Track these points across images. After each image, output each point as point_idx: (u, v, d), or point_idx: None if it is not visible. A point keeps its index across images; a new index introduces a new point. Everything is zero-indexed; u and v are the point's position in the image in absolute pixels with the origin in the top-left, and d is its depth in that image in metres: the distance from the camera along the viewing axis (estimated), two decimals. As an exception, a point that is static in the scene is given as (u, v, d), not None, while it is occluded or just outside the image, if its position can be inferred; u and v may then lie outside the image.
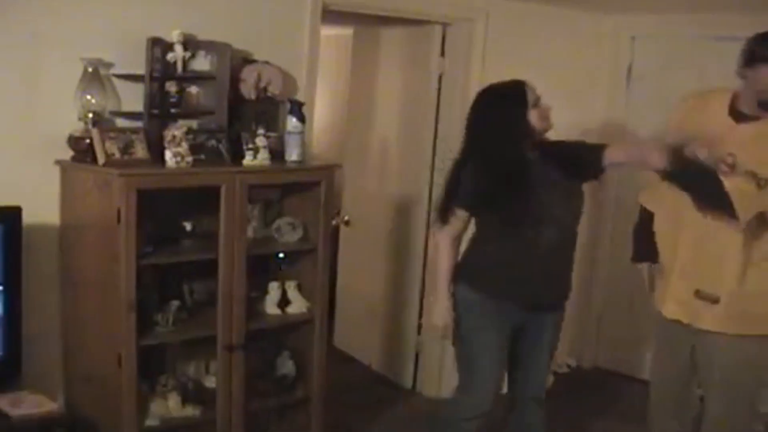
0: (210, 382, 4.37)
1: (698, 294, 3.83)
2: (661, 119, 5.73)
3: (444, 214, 4.07)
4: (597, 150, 4.00)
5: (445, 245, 4.13)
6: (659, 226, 4.10)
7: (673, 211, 3.94)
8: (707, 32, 5.80)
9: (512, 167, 3.90)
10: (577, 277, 6.51)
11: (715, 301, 3.79)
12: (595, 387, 6.41)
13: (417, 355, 6.07)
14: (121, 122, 4.06)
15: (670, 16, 6.00)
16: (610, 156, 3.94)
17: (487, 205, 3.95)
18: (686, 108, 4.06)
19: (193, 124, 4.18)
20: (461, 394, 4.22)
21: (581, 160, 4.03)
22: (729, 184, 3.56)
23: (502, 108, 3.96)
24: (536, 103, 3.93)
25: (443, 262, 4.13)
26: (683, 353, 4.05)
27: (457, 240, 4.14)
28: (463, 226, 4.10)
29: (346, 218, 6.23)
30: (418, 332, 6.04)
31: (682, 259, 3.90)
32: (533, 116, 3.92)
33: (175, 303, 4.11)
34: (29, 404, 3.62)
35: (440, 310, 4.11)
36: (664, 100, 6.03)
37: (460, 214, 4.04)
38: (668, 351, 4.18)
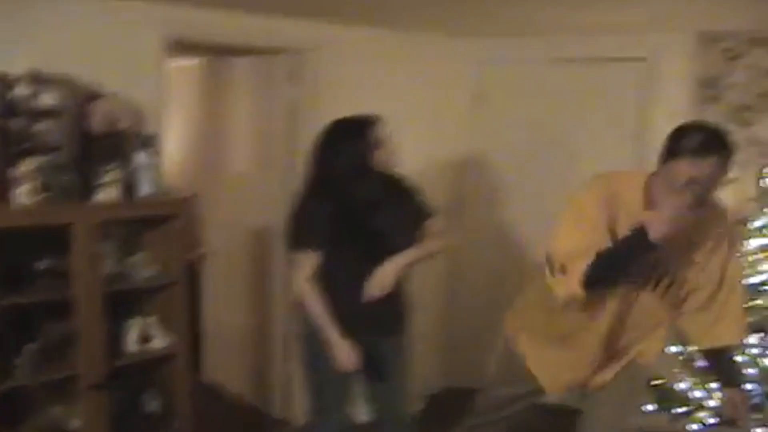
0: (74, 425, 4.27)
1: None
2: (510, 144, 5.91)
3: (299, 254, 4.10)
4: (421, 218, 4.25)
5: (309, 290, 4.07)
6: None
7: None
8: (553, 55, 5.97)
9: (356, 204, 3.97)
10: (440, 301, 6.67)
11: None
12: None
13: (286, 384, 6.01)
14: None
15: (516, 40, 6.13)
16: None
17: (335, 242, 4.00)
18: (600, 192, 3.52)
19: (42, 160, 4.06)
20: (315, 417, 4.27)
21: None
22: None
23: (347, 144, 3.98)
24: (382, 142, 3.97)
25: (317, 306, 4.06)
26: None
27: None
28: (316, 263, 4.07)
29: (202, 251, 6.18)
30: (284, 363, 5.99)
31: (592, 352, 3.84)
32: (379, 155, 3.97)
33: (33, 345, 4.02)
34: None
35: (340, 355, 4.03)
36: (512, 125, 6.22)
37: (313, 254, 4.04)
38: None
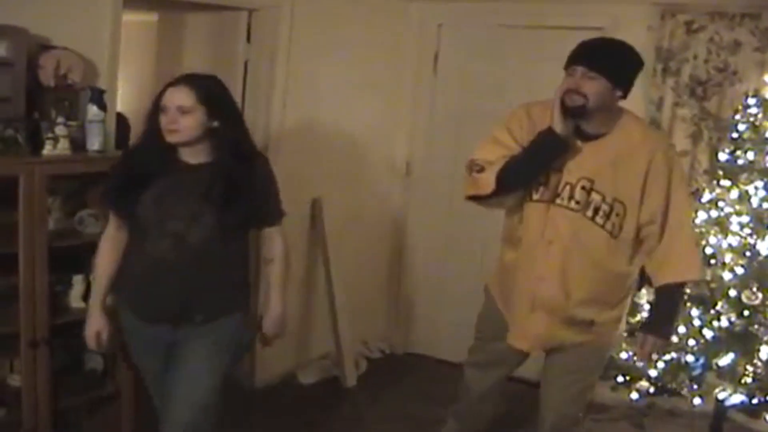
0: (14, 381, 4.25)
1: (571, 321, 3.94)
2: (465, 108, 5.91)
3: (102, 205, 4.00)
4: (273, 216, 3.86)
5: (102, 246, 3.82)
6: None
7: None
8: (510, 22, 5.97)
9: (143, 167, 3.64)
10: (386, 264, 6.70)
11: (590, 323, 3.94)
12: (407, 371, 6.51)
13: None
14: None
15: (475, 5, 6.14)
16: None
17: (119, 203, 3.70)
18: (518, 113, 3.98)
19: None
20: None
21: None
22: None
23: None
24: (163, 109, 3.55)
25: (97, 266, 3.83)
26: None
27: (119, 240, 3.78)
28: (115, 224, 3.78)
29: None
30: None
31: (548, 289, 3.91)
32: (162, 122, 3.56)
33: (-27, 300, 3.97)
34: None
35: (89, 320, 3.81)
36: (469, 89, 6.22)
37: (111, 214, 3.79)
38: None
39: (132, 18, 5.61)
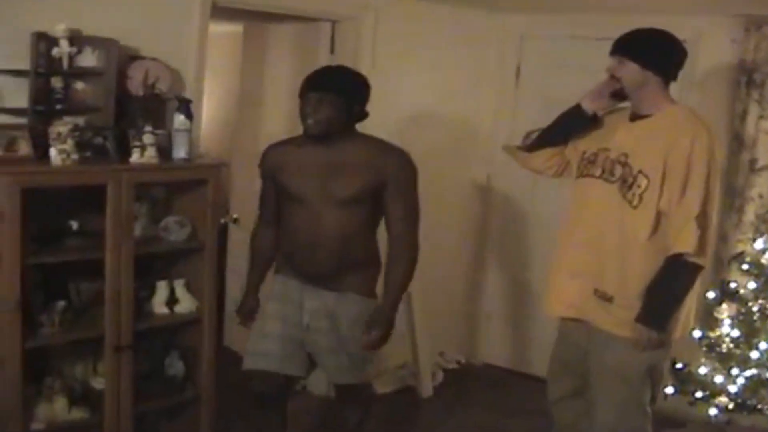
0: (98, 384, 4.30)
1: (596, 293, 3.92)
2: (548, 120, 5.87)
3: None
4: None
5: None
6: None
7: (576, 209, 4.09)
8: (594, 34, 5.92)
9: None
10: (465, 275, 6.68)
11: (610, 300, 3.87)
12: (483, 383, 6.48)
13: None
14: (3, 119, 3.99)
15: (557, 17, 6.11)
16: None
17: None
18: None
19: (79, 120, 4.13)
20: None
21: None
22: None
23: None
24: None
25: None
26: (576, 352, 4.14)
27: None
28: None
29: (234, 216, 6.18)
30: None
31: (578, 258, 3.99)
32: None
33: (61, 303, 4.05)
34: None
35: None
36: (551, 101, 6.17)
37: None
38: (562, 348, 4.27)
39: (218, 29, 5.68)
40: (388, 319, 3.98)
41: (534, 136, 4.29)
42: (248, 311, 4.32)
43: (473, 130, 6.51)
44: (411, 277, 4.06)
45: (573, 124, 4.13)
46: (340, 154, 3.88)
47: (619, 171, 3.85)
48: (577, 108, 4.08)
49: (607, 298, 3.89)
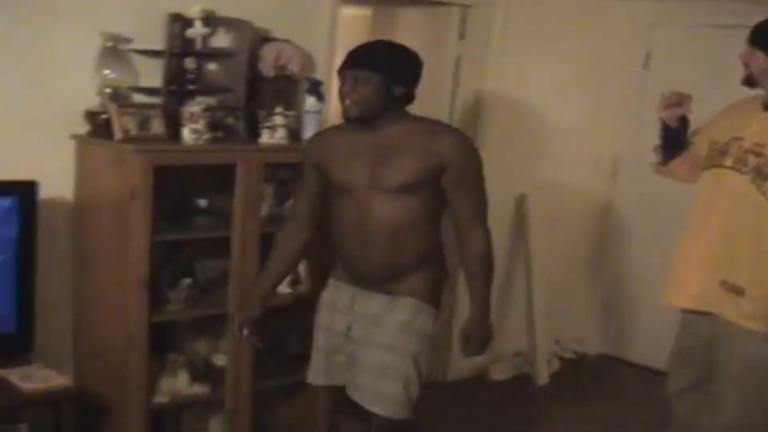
0: (220, 361, 4.30)
1: (724, 284, 3.77)
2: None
3: None
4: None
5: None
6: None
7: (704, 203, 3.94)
8: (726, 20, 5.72)
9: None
10: (585, 263, 6.56)
11: (740, 292, 3.73)
12: (599, 373, 6.37)
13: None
14: (138, 98, 4.01)
15: (687, 4, 5.92)
16: None
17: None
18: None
19: (211, 101, 4.14)
20: None
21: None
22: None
23: None
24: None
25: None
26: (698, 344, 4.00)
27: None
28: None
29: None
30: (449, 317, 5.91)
31: (707, 249, 3.85)
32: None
33: (188, 280, 4.06)
34: (39, 379, 3.61)
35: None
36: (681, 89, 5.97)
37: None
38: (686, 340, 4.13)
39: (348, 12, 5.63)
40: (484, 328, 3.51)
41: (659, 150, 4.15)
42: (247, 323, 3.68)
43: (598, 118, 6.36)
44: (492, 275, 3.50)
45: (672, 135, 4.04)
46: (388, 138, 3.36)
47: (753, 161, 3.69)
48: (663, 122, 4.03)
49: (737, 291, 3.73)
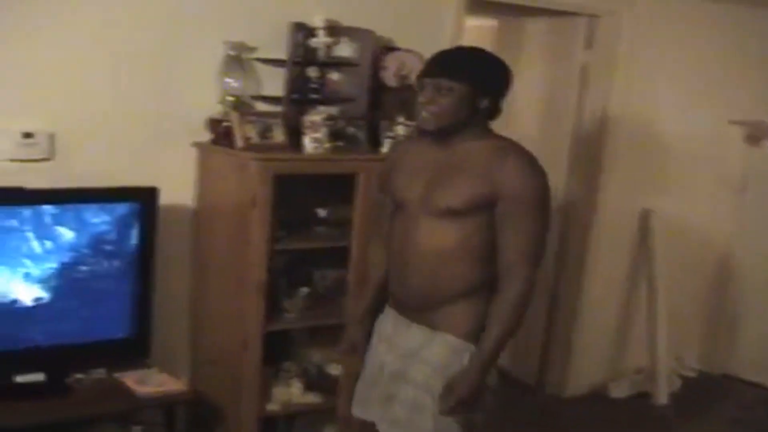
0: (334, 370, 4.24)
1: None
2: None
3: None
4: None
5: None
6: None
7: None
8: None
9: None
10: (710, 280, 6.32)
11: None
12: (721, 394, 6.11)
13: (543, 351, 5.85)
14: (260, 106, 4.00)
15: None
16: None
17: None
18: None
19: (333, 110, 4.09)
20: None
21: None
22: None
23: None
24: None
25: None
26: None
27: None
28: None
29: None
30: (547, 327, 5.81)
31: None
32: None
33: (305, 290, 4.02)
34: (154, 383, 3.61)
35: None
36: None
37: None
38: None
39: (473, 23, 5.53)
40: (472, 383, 2.91)
41: None
42: (349, 346, 3.37)
43: (728, 131, 6.12)
44: (515, 327, 2.95)
45: None
46: (455, 155, 2.98)
47: None
48: None
49: None
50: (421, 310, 3.03)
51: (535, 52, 5.83)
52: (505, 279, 2.91)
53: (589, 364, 5.54)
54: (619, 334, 5.86)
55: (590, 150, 5.43)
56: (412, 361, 3.02)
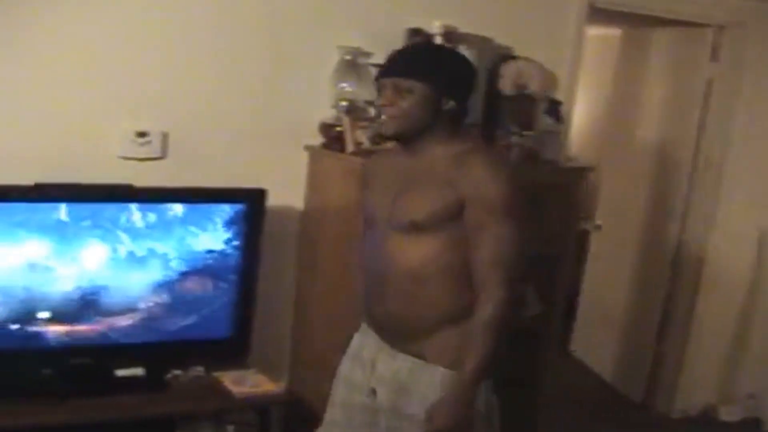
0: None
1: None
2: None
3: None
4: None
5: None
6: None
7: None
8: None
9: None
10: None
11: None
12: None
13: (652, 369, 5.64)
14: (373, 112, 3.85)
15: None
16: None
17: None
18: None
19: None
20: None
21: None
22: None
23: None
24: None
25: None
26: None
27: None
28: None
29: (598, 223, 5.83)
30: (656, 345, 5.62)
31: None
32: None
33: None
34: (251, 383, 3.60)
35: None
36: None
37: None
38: None
39: (594, 32, 5.37)
40: (452, 412, 2.63)
41: None
42: None
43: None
44: (492, 351, 2.62)
45: None
46: (420, 163, 2.70)
47: None
48: None
49: None
50: (405, 338, 2.75)
51: (660, 63, 5.64)
52: (480, 299, 2.62)
53: (699, 385, 5.34)
54: (733, 357, 5.61)
55: (711, 165, 5.24)
56: (406, 397, 2.74)
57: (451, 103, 2.68)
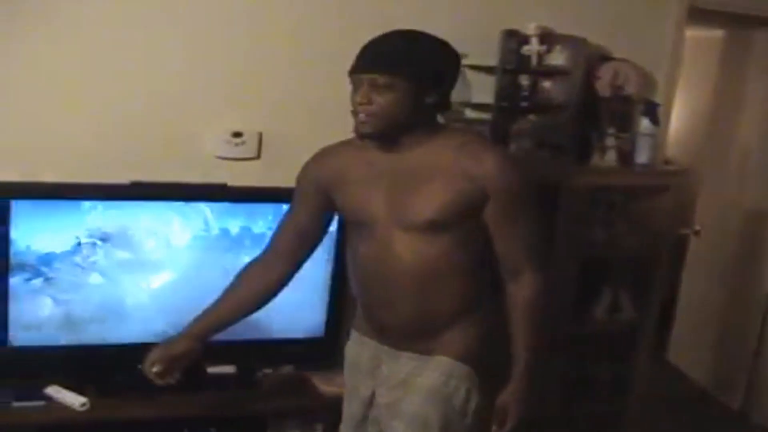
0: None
1: None
2: None
3: None
4: None
5: None
6: None
7: None
8: None
9: None
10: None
11: None
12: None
13: (750, 376, 5.46)
14: (469, 113, 3.89)
15: None
16: None
17: None
18: None
19: (543, 119, 3.96)
20: None
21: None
22: None
23: None
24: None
25: None
26: None
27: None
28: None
29: (696, 228, 5.67)
30: (757, 350, 5.43)
31: None
32: None
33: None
34: (339, 383, 3.51)
35: None
36: None
37: None
38: None
39: (694, 33, 5.23)
40: (526, 399, 2.65)
41: None
42: (163, 359, 2.76)
43: None
44: (539, 328, 2.65)
45: None
46: (413, 159, 2.53)
47: None
48: None
49: None
50: (411, 338, 2.65)
51: (763, 65, 5.46)
52: (515, 286, 2.61)
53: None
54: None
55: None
56: (404, 393, 2.65)
57: (434, 96, 2.52)
